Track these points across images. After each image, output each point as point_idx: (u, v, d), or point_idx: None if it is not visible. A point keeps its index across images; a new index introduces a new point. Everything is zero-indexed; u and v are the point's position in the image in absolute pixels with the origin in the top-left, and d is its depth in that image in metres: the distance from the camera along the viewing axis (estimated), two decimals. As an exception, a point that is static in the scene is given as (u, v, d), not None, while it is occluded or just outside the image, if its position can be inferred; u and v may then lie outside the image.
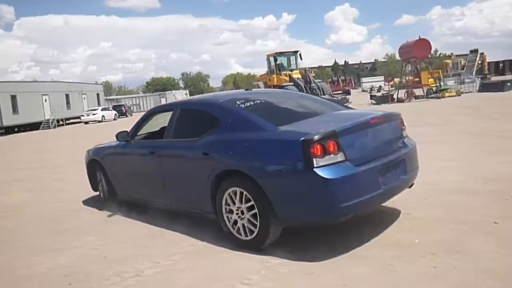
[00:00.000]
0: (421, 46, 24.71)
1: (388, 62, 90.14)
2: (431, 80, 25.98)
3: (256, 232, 3.67)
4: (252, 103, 4.23)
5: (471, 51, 42.09)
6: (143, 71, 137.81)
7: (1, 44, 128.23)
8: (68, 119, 39.79)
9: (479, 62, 39.97)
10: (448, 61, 47.27)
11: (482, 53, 41.10)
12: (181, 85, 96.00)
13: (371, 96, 28.12)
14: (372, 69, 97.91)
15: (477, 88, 27.39)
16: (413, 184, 4.25)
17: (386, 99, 24.71)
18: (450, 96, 23.83)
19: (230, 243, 3.91)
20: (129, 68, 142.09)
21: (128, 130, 5.34)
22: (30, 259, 4.12)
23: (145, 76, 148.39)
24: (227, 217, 3.89)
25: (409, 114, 16.08)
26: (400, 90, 26.20)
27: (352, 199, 3.34)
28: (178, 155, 4.51)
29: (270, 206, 3.51)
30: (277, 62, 24.56)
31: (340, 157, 3.38)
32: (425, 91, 25.56)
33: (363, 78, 70.04)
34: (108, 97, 59.41)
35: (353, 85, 59.43)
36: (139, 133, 5.37)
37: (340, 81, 51.41)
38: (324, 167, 3.28)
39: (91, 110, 39.21)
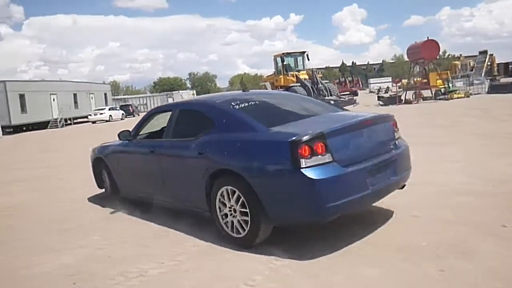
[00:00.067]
0: (430, 47, 24.53)
1: (396, 63, 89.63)
2: (439, 81, 25.81)
3: (247, 230, 3.76)
4: (246, 104, 4.33)
5: (480, 52, 41.79)
6: (151, 71, 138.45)
7: (10, 44, 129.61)
8: (76, 118, 40.06)
9: (488, 63, 39.67)
10: (457, 62, 47.00)
11: (492, 54, 40.80)
12: (188, 85, 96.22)
13: (378, 97, 27.96)
14: (380, 70, 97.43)
15: (486, 90, 27.13)
16: (404, 185, 4.28)
17: (393, 100, 24.57)
18: (458, 98, 23.63)
19: (234, 244, 3.90)
20: (137, 68, 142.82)
21: (130, 130, 5.49)
22: (34, 259, 4.12)
23: (153, 76, 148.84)
24: (221, 215, 4.00)
25: (417, 116, 16.01)
26: (408, 92, 26.02)
27: (339, 199, 3.41)
28: (176, 154, 4.60)
29: (260, 205, 3.60)
30: (284, 63, 24.49)
31: (327, 158, 3.44)
32: (433, 92, 25.38)
33: (371, 79, 69.70)
34: (115, 97, 59.73)
35: (361, 86, 59.27)
36: (141, 133, 5.51)
37: (347, 82, 51.25)
38: (311, 168, 3.36)
39: (99, 109, 39.43)
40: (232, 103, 4.33)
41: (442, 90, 24.97)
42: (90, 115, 37.86)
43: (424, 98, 25.07)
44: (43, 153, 15.35)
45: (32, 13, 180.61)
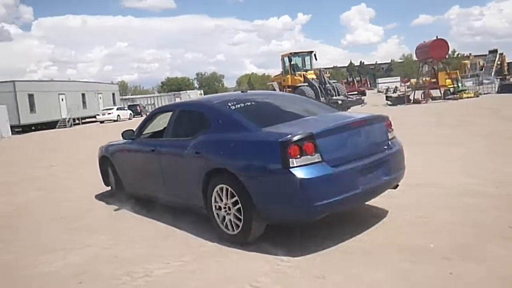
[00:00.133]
0: (438, 46, 24.34)
1: (404, 62, 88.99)
2: (448, 81, 25.57)
3: (240, 228, 3.86)
4: (242, 105, 4.43)
5: (490, 52, 41.43)
6: (159, 71, 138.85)
7: (20, 44, 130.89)
8: (84, 118, 40.31)
9: (498, 62, 39.29)
10: (466, 61, 46.60)
11: (502, 54, 40.41)
12: (196, 85, 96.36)
13: (386, 97, 27.81)
14: (388, 69, 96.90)
15: (496, 89, 26.89)
16: (397, 185, 4.33)
17: (402, 100, 24.42)
18: (468, 97, 23.42)
19: (242, 245, 3.89)
20: (145, 68, 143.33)
21: (134, 129, 5.65)
22: (43, 258, 4.14)
23: (160, 76, 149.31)
24: (216, 212, 4.09)
25: (426, 115, 15.89)
26: (416, 91, 25.84)
27: (327, 198, 3.48)
28: (175, 153, 4.71)
29: (252, 203, 3.70)
30: (292, 63, 24.37)
31: (316, 158, 3.52)
32: (442, 92, 25.17)
33: (379, 79, 69.44)
34: (123, 97, 60.01)
35: (369, 85, 59.04)
36: (144, 132, 5.66)
37: (355, 81, 51.07)
38: (300, 167, 3.44)
39: (107, 109, 39.63)
40: (229, 104, 4.44)
41: (451, 89, 24.78)
42: (98, 115, 38.07)
43: (433, 98, 24.89)
44: (51, 152, 15.46)
45: (41, 14, 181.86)
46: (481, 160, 6.66)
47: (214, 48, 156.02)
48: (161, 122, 5.43)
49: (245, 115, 4.20)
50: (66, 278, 3.63)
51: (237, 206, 3.83)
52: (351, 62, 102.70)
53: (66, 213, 5.83)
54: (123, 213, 5.52)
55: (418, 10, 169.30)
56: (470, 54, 52.60)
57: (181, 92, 64.66)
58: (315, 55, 25.09)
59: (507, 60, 43.97)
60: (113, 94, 49.25)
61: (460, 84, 25.48)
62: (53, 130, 33.02)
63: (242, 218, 3.81)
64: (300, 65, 24.88)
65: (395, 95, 29.58)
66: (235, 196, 3.84)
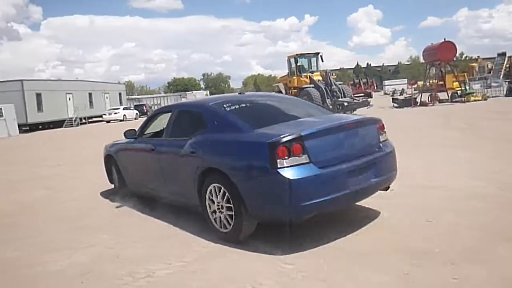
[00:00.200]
0: (446, 49, 24.16)
1: (412, 64, 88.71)
2: (456, 83, 25.38)
3: (231, 226, 3.97)
4: (237, 106, 4.55)
5: (499, 54, 41.02)
6: (165, 71, 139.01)
7: (29, 44, 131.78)
8: (91, 117, 40.53)
9: (507, 65, 38.85)
10: (474, 64, 46.24)
11: (510, 57, 39.96)
12: (202, 85, 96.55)
13: (393, 99, 27.64)
14: (395, 71, 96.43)
15: (504, 93, 26.63)
16: (389, 187, 4.38)
17: (408, 102, 24.28)
18: (475, 100, 23.24)
19: (243, 245, 3.89)
20: (152, 68, 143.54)
21: (136, 129, 5.82)
22: (48, 256, 4.15)
23: (167, 76, 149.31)
24: (210, 211, 4.21)
25: (433, 118, 15.78)
26: (423, 94, 25.68)
27: (314, 198, 3.55)
28: (173, 152, 4.80)
29: (242, 202, 3.79)
30: (298, 64, 24.28)
31: (304, 159, 3.60)
32: (449, 95, 25.00)
33: (386, 81, 69.06)
34: (130, 97, 60.29)
35: (375, 87, 58.60)
36: (146, 132, 5.82)
37: (361, 83, 50.77)
38: (287, 168, 3.53)
39: (113, 109, 39.81)
40: (224, 105, 4.56)
41: (459, 92, 24.58)
42: (104, 114, 38.25)
43: (440, 101, 24.71)
44: (58, 151, 15.56)
45: (50, 14, 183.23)
46: (488, 163, 6.59)
47: (220, 48, 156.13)
48: (163, 122, 5.50)
49: (239, 116, 4.31)
50: (69, 277, 3.63)
51: (229, 205, 3.93)
52: (358, 64, 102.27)
53: (71, 212, 5.86)
54: (127, 212, 5.55)
55: (426, 12, 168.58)
56: (478, 56, 52.31)
57: (187, 92, 64.89)
58: (321, 56, 25.00)
59: (516, 63, 43.57)
60: (120, 94, 49.51)
61: (467, 87, 25.27)
62: (60, 129, 33.24)
63: (233, 216, 3.91)
64: (306, 66, 24.82)
65: (401, 97, 29.43)
66: (226, 194, 3.94)
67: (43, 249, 4.40)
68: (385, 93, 53.32)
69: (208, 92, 70.44)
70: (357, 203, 4.75)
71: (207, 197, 4.19)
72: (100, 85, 46.54)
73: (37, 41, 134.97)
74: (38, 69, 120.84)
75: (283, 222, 3.84)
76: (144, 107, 46.36)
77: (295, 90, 23.64)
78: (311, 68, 24.76)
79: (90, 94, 41.90)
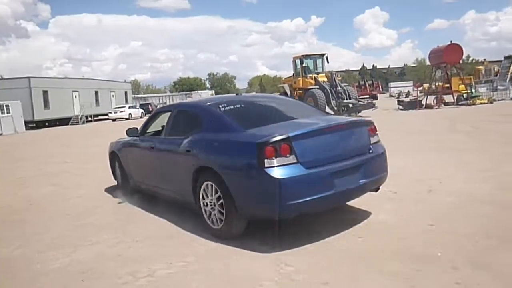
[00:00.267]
0: (452, 51, 24.02)
1: (417, 67, 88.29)
2: (462, 86, 25.23)
3: (223, 222, 4.08)
4: (232, 107, 4.67)
5: (506, 57, 40.80)
6: (171, 71, 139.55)
7: (37, 41, 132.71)
8: (97, 115, 40.73)
9: (514, 68, 38.61)
10: (480, 67, 45.98)
11: (517, 60, 39.71)
12: (208, 85, 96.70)
13: (398, 101, 27.50)
14: (401, 73, 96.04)
15: (511, 96, 26.46)
16: (378, 188, 4.43)
17: (413, 104, 24.16)
18: (481, 104, 23.09)
19: (244, 246, 3.90)
20: (158, 68, 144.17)
21: (138, 127, 6.01)
22: (51, 254, 4.17)
23: (173, 76, 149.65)
24: (204, 208, 4.33)
25: (439, 121, 15.70)
26: (429, 96, 25.55)
27: (300, 198, 3.63)
28: (170, 150, 4.96)
29: (232, 200, 3.91)
30: (303, 65, 24.27)
31: (291, 159, 3.69)
32: (455, 97, 24.86)
33: (391, 83, 68.82)
34: (135, 95, 60.50)
35: (381, 89, 58.54)
36: (147, 130, 5.98)
37: (367, 85, 50.68)
38: (274, 168, 3.63)
39: (119, 107, 39.98)
40: (220, 106, 4.68)
41: (465, 95, 24.43)
42: (110, 112, 38.42)
43: (446, 103, 24.58)
44: (64, 148, 15.66)
45: (58, 12, 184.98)
46: (494, 167, 6.54)
47: (226, 49, 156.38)
48: (164, 121, 5.58)
49: (233, 116, 4.42)
50: (70, 275, 3.64)
51: (220, 202, 4.05)
52: (363, 65, 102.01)
53: (78, 210, 5.91)
54: (129, 211, 5.58)
55: (433, 14, 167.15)
56: (484, 59, 51.89)
57: (193, 92, 64.95)
58: (327, 58, 24.97)
59: (523, 66, 43.23)
60: (126, 93, 49.71)
61: (473, 90, 25.12)
62: (66, 126, 33.41)
63: (224, 213, 4.03)
64: (311, 67, 24.78)
65: (407, 99, 29.26)
66: (218, 192, 4.07)
67: (46, 246, 4.42)
68: (391, 95, 53.13)
69: (213, 92, 70.50)
70: (358, 205, 4.75)
71: (201, 194, 4.31)
72: (106, 84, 46.77)
73: (45, 39, 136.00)
74: (45, 67, 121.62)
75: (270, 219, 3.92)
76: (150, 106, 46.48)
77: (300, 91, 23.63)
78: (316, 69, 24.73)
79: (96, 92, 42.11)
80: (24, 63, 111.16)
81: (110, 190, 6.86)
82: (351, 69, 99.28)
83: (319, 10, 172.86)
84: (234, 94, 5.79)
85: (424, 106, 23.89)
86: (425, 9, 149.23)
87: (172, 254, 3.90)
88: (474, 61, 74.50)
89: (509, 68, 38.33)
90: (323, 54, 25.27)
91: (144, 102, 51.11)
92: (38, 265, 3.93)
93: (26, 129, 30.62)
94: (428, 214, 4.46)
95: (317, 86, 22.33)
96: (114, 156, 6.63)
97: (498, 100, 25.54)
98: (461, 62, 28.20)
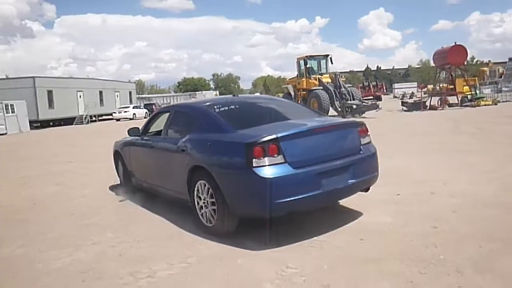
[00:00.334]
0: (457, 53, 23.94)
1: (422, 68, 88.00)
2: (466, 87, 25.12)
3: (215, 220, 4.19)
4: (226, 108, 4.80)
5: (510, 59, 40.63)
6: (176, 71, 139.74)
7: (42, 41, 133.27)
8: (101, 115, 40.84)
9: (519, 70, 38.44)
10: (485, 68, 45.77)
11: (522, 61, 39.54)
12: (212, 86, 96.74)
13: (402, 102, 27.43)
14: (405, 75, 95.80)
15: (515, 97, 26.32)
16: (368, 188, 4.49)
17: (417, 106, 24.08)
18: (486, 105, 23.00)
19: (245, 247, 3.89)
20: (162, 68, 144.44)
21: (140, 127, 6.14)
22: (53, 253, 4.18)
23: (177, 76, 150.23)
24: (198, 207, 4.44)
25: (443, 122, 15.63)
26: (433, 97, 25.45)
27: (287, 197, 3.73)
28: (167, 150, 5.08)
29: (224, 198, 4.01)
30: (307, 66, 24.24)
31: (279, 159, 3.79)
32: (459, 99, 24.76)
33: (395, 84, 68.70)
34: (140, 96, 60.63)
35: (385, 90, 58.32)
36: (149, 130, 6.08)
37: (371, 86, 50.49)
38: (262, 167, 3.73)
39: (123, 107, 40.07)
40: (215, 107, 4.80)
41: (469, 96, 24.33)
42: (114, 112, 38.52)
43: (450, 105, 24.49)
44: (69, 147, 15.71)
45: (63, 12, 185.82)
46: (499, 169, 6.49)
47: (231, 49, 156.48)
48: (164, 121, 5.63)
49: (227, 117, 4.53)
50: (70, 275, 3.64)
51: (213, 200, 4.16)
52: (367, 66, 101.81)
53: (82, 209, 5.92)
54: (131, 210, 5.60)
55: (437, 15, 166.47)
56: (489, 61, 51.67)
57: (197, 92, 65.02)
58: (331, 58, 24.93)
59: (528, 68, 42.99)
60: (130, 93, 49.82)
61: (478, 91, 25.03)
62: (70, 126, 33.52)
63: (216, 211, 4.14)
64: (315, 68, 24.73)
65: (411, 101, 29.19)
66: (210, 191, 4.18)
67: (49, 245, 4.42)
68: (395, 96, 53.02)
69: (217, 92, 70.56)
70: (359, 207, 4.73)
71: (195, 193, 4.43)
72: (111, 84, 46.89)
73: (50, 39, 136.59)
74: (50, 67, 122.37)
75: (260, 218, 3.98)
76: (154, 106, 46.49)
77: (304, 92, 23.61)
78: (320, 70, 24.68)
79: (100, 92, 42.22)
80: (29, 62, 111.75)
81: (114, 190, 6.89)
82: (355, 70, 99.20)
83: (323, 11, 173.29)
84: (231, 95, 5.87)
85: (428, 107, 23.82)
86: (430, 10, 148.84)
87: (173, 254, 3.89)
88: (478, 62, 74.19)
89: (514, 70, 38.15)
90: (327, 55, 25.23)
91: (148, 102, 51.17)
92: (40, 264, 3.94)
93: (30, 128, 30.74)
94: (432, 215, 4.43)
95: (321, 87, 22.28)
96: (118, 155, 6.80)
97: (503, 101, 25.43)
98: (465, 63, 28.12)
